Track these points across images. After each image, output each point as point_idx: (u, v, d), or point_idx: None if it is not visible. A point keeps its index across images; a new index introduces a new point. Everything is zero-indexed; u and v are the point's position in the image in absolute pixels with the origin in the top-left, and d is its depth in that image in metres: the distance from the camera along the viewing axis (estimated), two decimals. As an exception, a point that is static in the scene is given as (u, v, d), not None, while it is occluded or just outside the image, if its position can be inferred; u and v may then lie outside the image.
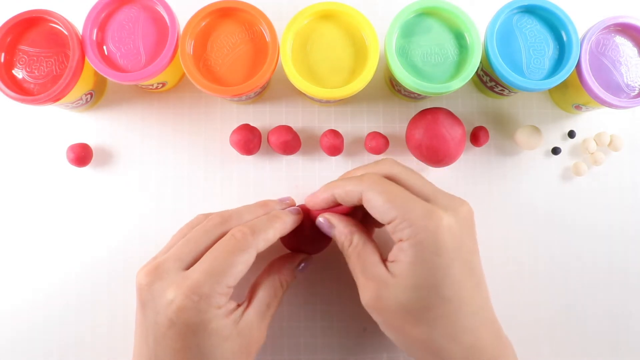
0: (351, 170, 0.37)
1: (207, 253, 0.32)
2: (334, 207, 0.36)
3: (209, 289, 0.30)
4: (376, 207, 0.31)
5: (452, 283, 0.30)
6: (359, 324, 0.42)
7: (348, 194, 0.33)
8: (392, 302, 0.31)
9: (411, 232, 0.30)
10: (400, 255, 0.31)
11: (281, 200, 0.38)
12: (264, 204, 0.37)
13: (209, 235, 0.33)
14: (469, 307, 0.31)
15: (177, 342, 0.30)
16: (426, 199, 0.32)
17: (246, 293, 0.36)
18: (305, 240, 0.38)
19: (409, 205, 0.31)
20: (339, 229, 0.34)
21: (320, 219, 0.36)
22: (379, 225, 0.38)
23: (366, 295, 0.32)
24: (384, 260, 0.32)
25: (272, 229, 0.34)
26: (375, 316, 0.33)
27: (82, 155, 0.41)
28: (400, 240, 0.31)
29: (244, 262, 0.32)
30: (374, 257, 0.33)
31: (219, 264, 0.31)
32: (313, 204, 0.36)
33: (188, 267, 0.32)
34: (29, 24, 0.38)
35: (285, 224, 0.35)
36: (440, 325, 0.30)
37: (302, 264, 0.37)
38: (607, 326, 0.43)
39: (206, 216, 0.36)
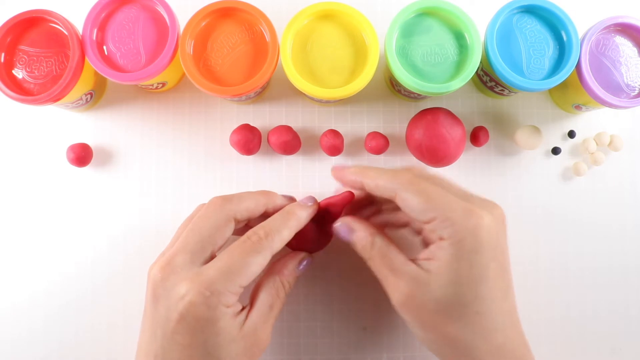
0: (370, 168, 0.36)
1: (223, 252, 0.32)
2: (340, 196, 0.37)
3: (222, 286, 0.30)
4: (413, 206, 0.31)
5: (488, 281, 0.30)
6: (359, 324, 0.42)
7: (379, 188, 0.33)
8: (427, 299, 0.31)
9: (452, 232, 0.30)
10: (439, 252, 0.31)
11: (284, 197, 0.38)
12: (265, 193, 0.36)
13: (211, 222, 0.33)
14: (501, 307, 0.31)
15: (185, 338, 0.30)
16: (461, 197, 0.32)
17: (249, 296, 0.36)
18: (305, 239, 0.38)
19: (449, 205, 0.31)
20: (360, 234, 0.34)
21: (339, 224, 0.36)
22: (395, 226, 0.38)
23: (397, 294, 0.32)
24: (411, 259, 0.33)
25: (287, 228, 0.34)
26: (406, 314, 0.32)
27: (82, 155, 0.41)
28: (441, 238, 0.31)
29: (258, 264, 0.32)
30: (401, 257, 0.33)
31: (234, 264, 0.31)
32: (339, 178, 0.36)
33: (198, 259, 0.32)
34: (29, 24, 0.38)
35: (300, 220, 0.35)
36: (473, 322, 0.30)
37: (304, 263, 0.37)
38: (607, 326, 0.43)
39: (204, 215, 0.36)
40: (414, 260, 0.32)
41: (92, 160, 0.43)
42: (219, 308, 0.31)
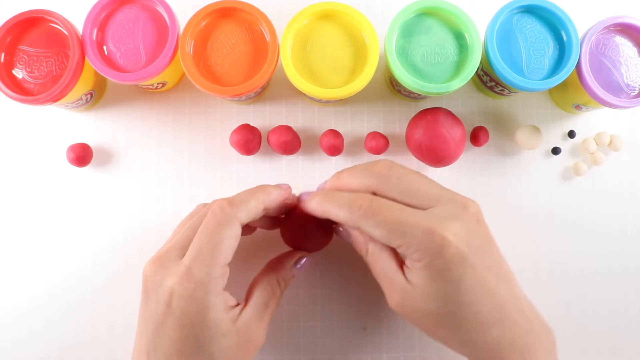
0: (345, 170, 0.35)
1: (194, 238, 0.32)
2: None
3: (202, 273, 0.30)
4: (377, 237, 0.31)
5: (467, 289, 0.30)
6: (359, 324, 0.42)
7: (343, 220, 0.32)
8: (415, 307, 0.31)
9: (419, 256, 0.30)
10: (415, 271, 0.31)
11: (278, 185, 0.37)
12: (262, 189, 0.36)
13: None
14: (491, 303, 0.31)
15: (175, 332, 0.30)
16: (428, 205, 0.32)
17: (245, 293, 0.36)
18: (305, 237, 0.38)
19: (410, 231, 0.30)
20: (355, 239, 0.34)
21: (340, 228, 0.36)
22: None
23: (391, 300, 0.33)
24: (402, 264, 0.33)
25: (254, 199, 0.33)
26: (401, 316, 0.33)
27: (82, 155, 0.41)
28: (412, 260, 0.31)
29: (229, 237, 0.31)
30: (391, 265, 0.33)
31: (205, 245, 0.31)
32: (305, 209, 0.35)
33: None
34: (29, 24, 0.38)
35: (270, 194, 0.34)
36: (464, 325, 0.31)
37: (302, 262, 0.37)
38: (607, 326, 0.43)
39: (205, 205, 0.36)
40: (403, 266, 0.32)
41: (92, 160, 0.43)
42: (208, 298, 0.30)
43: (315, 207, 0.34)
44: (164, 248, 0.33)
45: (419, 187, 0.33)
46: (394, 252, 0.33)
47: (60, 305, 0.42)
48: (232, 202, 0.33)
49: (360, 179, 0.33)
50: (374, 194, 0.33)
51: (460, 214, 0.31)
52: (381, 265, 0.33)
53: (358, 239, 0.34)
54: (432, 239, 0.30)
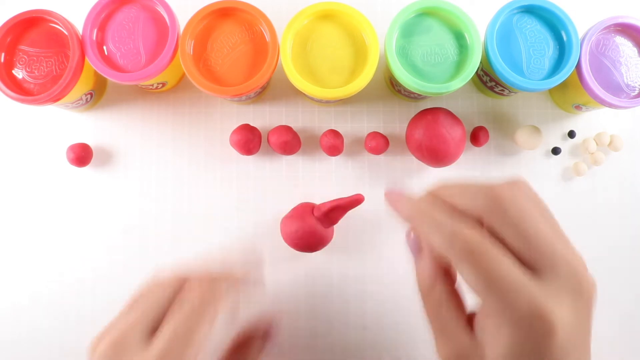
0: (455, 184, 0.28)
1: (169, 321, 0.29)
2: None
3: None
4: (468, 282, 0.25)
5: None
6: (359, 324, 0.42)
7: (436, 246, 0.26)
8: None
9: (509, 331, 0.24)
10: (492, 336, 0.25)
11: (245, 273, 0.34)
12: (227, 276, 0.32)
13: (168, 300, 0.30)
14: None
15: None
16: (541, 266, 0.25)
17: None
18: (307, 237, 0.38)
19: (513, 300, 0.24)
20: (423, 266, 0.29)
21: (412, 236, 0.30)
22: None
23: (443, 353, 0.28)
24: (469, 317, 0.27)
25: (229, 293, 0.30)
26: None
27: (82, 155, 0.41)
28: (496, 326, 0.25)
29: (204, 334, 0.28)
30: (455, 319, 0.27)
31: (177, 337, 0.28)
32: (395, 209, 0.29)
33: (150, 336, 0.29)
34: (29, 24, 0.38)
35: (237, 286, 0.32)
36: None
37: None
38: (606, 326, 0.43)
39: (159, 285, 0.32)
40: (471, 320, 0.27)
41: (92, 160, 0.43)
42: None
43: (405, 215, 0.29)
44: (117, 328, 0.29)
45: (538, 233, 0.26)
46: (462, 299, 0.28)
47: (60, 305, 0.42)
48: (210, 299, 0.29)
49: (470, 200, 0.27)
50: (481, 222, 0.26)
51: (575, 296, 0.25)
52: (442, 314, 0.27)
53: (425, 269, 0.28)
54: (535, 321, 0.24)
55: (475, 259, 0.25)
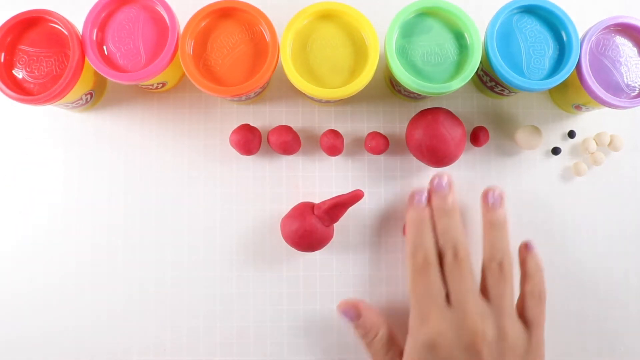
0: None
1: None
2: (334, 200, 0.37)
3: None
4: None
5: None
6: (359, 324, 0.42)
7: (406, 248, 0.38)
8: None
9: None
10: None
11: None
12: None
13: None
14: None
15: None
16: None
17: None
18: (308, 236, 0.38)
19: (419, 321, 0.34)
20: (366, 318, 0.37)
21: (343, 307, 0.38)
22: None
23: None
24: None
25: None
26: None
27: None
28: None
29: None
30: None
31: None
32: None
33: None
34: (29, 24, 0.38)
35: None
36: None
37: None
38: (606, 326, 0.43)
39: None
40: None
41: (92, 160, 0.43)
42: None
43: (407, 219, 0.37)
44: None
45: None
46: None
47: (60, 305, 0.42)
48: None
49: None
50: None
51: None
52: (385, 354, 0.36)
53: (370, 319, 0.37)
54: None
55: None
